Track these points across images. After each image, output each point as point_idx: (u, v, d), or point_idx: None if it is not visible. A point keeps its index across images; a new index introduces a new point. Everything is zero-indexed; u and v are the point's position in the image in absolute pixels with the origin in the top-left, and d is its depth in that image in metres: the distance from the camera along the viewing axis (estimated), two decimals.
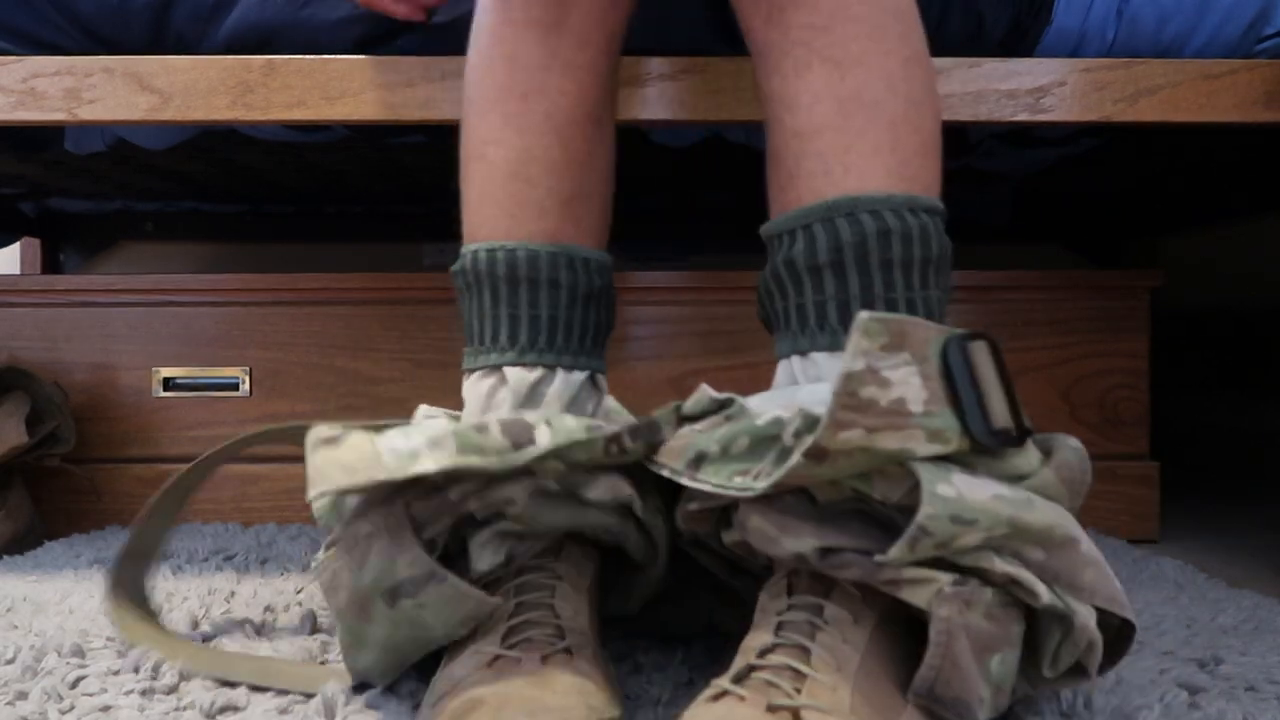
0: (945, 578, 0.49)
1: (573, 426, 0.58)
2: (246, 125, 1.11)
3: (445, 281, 1.21)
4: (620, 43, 0.71)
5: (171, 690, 0.63)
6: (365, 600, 0.57)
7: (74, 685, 0.63)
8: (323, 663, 0.68)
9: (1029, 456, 0.53)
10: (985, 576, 0.50)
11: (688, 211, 1.77)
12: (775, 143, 0.63)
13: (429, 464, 0.56)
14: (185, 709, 0.60)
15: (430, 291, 1.21)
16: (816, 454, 0.48)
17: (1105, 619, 0.54)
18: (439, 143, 1.25)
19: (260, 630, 0.77)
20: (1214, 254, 1.66)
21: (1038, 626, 0.52)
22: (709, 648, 0.69)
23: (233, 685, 0.63)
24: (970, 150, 1.33)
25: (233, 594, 0.86)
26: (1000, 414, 0.50)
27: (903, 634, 0.53)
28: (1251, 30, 0.93)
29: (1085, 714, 0.58)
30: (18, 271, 1.83)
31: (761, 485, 0.51)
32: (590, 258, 0.68)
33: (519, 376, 0.65)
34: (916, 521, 0.47)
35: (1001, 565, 0.49)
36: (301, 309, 1.24)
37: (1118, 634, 0.55)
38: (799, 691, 0.47)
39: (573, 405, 0.66)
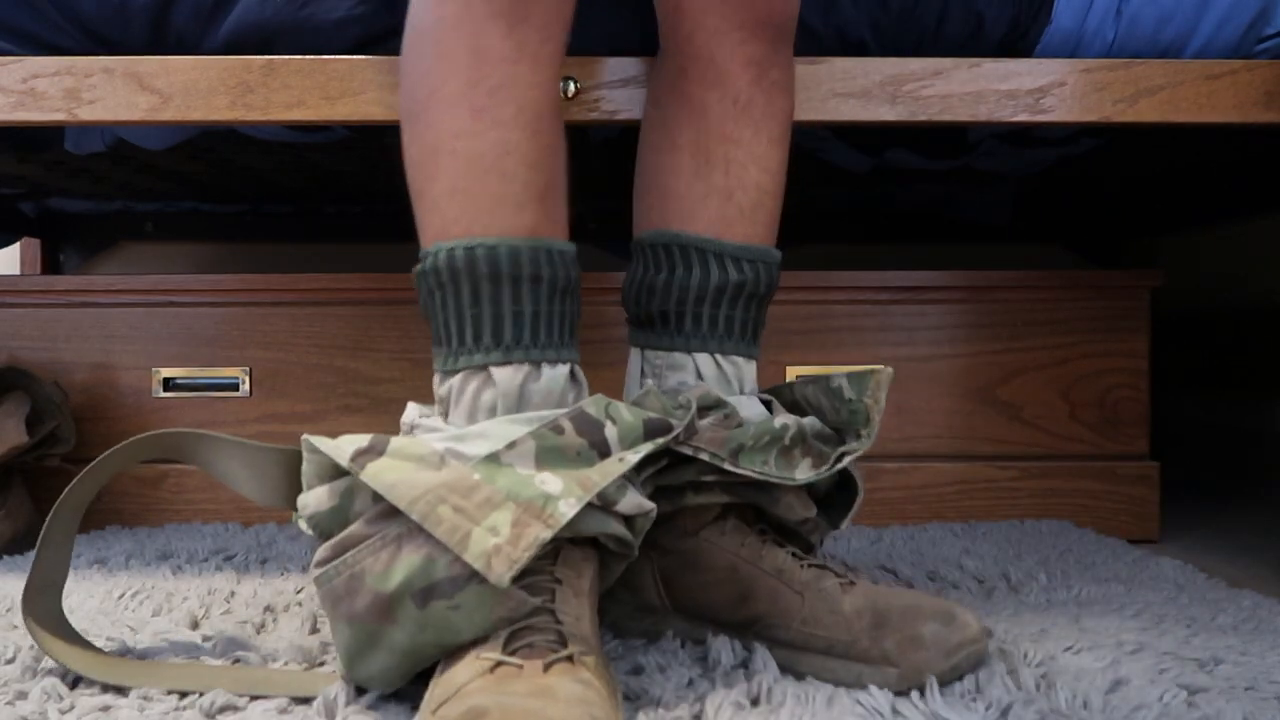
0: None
1: (631, 421, 0.63)
2: (246, 125, 1.11)
3: None
4: (569, 36, 0.71)
5: (171, 690, 0.63)
6: (391, 602, 0.57)
7: (74, 685, 0.64)
8: (321, 663, 0.68)
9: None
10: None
11: None
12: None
13: (568, 508, 0.58)
14: (185, 709, 0.60)
15: None
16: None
17: None
18: None
19: (260, 630, 0.77)
20: (1214, 254, 1.66)
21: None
22: (708, 648, 0.69)
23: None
24: (970, 150, 1.33)
25: (233, 594, 0.86)
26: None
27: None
28: (1251, 30, 0.93)
29: (1085, 714, 0.58)
30: (18, 271, 1.83)
31: (802, 478, 0.69)
32: (564, 250, 0.68)
33: (506, 376, 0.65)
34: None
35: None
36: (301, 309, 1.24)
37: None
38: None
39: (560, 400, 0.67)
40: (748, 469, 0.68)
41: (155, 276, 1.23)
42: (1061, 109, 0.92)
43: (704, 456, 0.67)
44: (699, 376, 0.75)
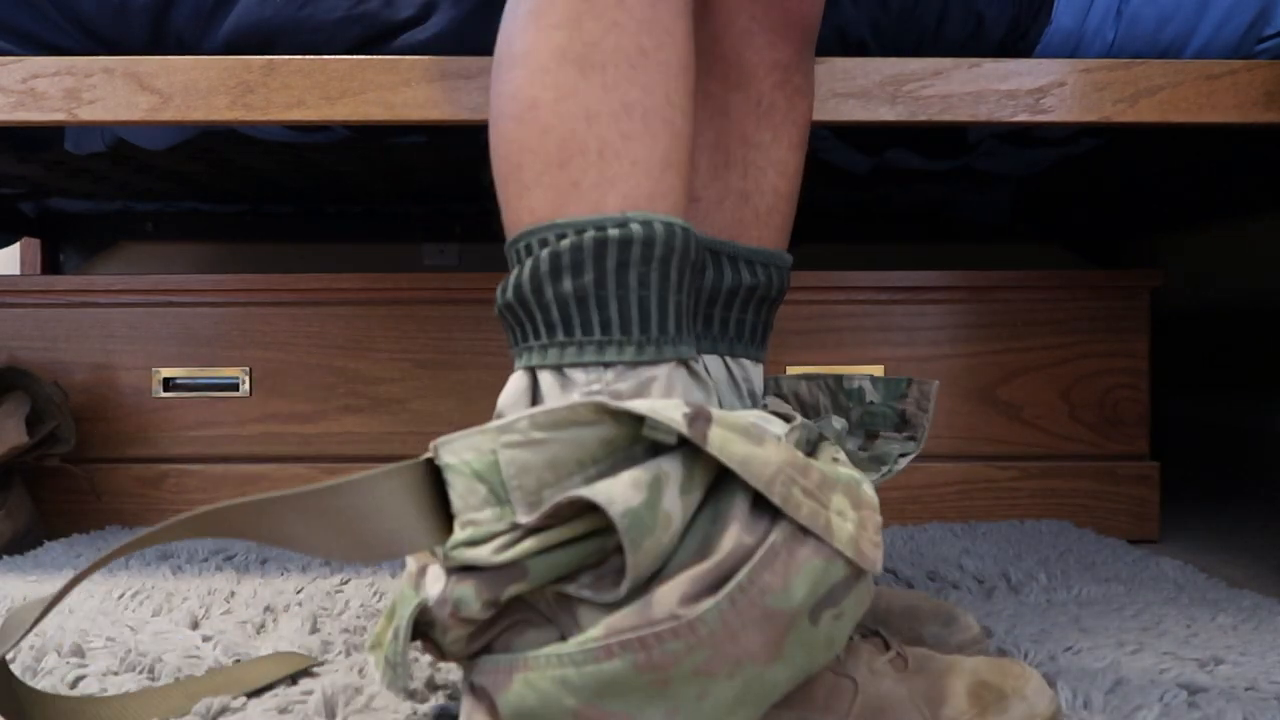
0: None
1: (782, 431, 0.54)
2: (246, 125, 1.11)
3: (445, 281, 1.21)
4: None
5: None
6: (786, 628, 0.45)
7: (74, 685, 0.63)
8: (322, 663, 0.68)
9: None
10: None
11: None
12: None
13: (870, 490, 0.50)
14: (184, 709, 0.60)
15: (430, 291, 1.21)
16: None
17: None
18: (439, 142, 1.25)
19: (260, 630, 0.77)
20: (1214, 254, 1.66)
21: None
22: None
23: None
24: (970, 150, 1.33)
25: (233, 594, 0.86)
26: None
27: None
28: (1251, 30, 0.93)
29: (1085, 714, 0.58)
30: (18, 271, 1.83)
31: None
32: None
33: (710, 369, 0.65)
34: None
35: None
36: (301, 309, 1.24)
37: None
38: None
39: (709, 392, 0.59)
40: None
41: (155, 276, 1.23)
42: (1061, 109, 0.92)
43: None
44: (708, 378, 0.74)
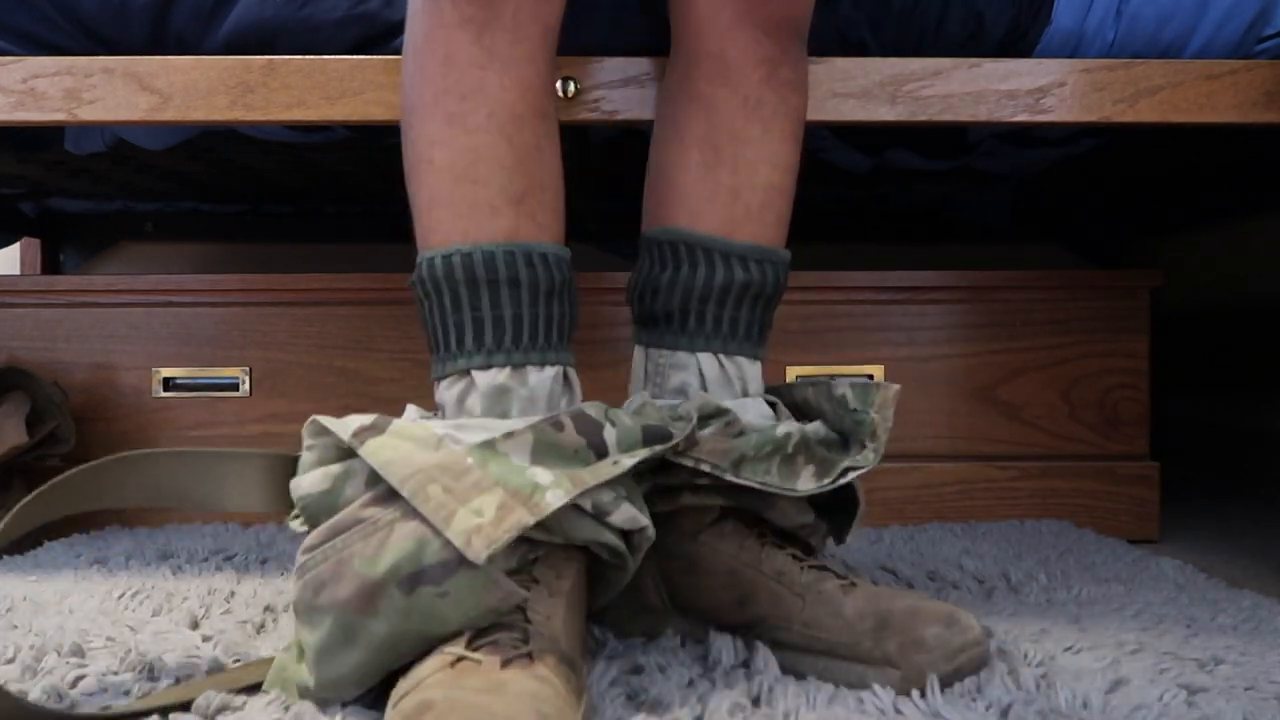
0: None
1: (630, 426, 0.63)
2: (246, 125, 1.11)
3: None
4: (556, 36, 0.71)
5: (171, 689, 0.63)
6: (375, 589, 0.55)
7: (74, 685, 0.63)
8: None
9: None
10: None
11: None
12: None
13: (554, 499, 0.57)
14: (184, 709, 0.60)
15: None
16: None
17: None
18: None
19: (260, 630, 0.77)
20: (1214, 254, 1.66)
21: None
22: (709, 648, 0.69)
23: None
24: (970, 150, 1.33)
25: (233, 594, 0.86)
26: None
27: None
28: (1251, 30, 0.93)
29: (1085, 714, 0.58)
30: (18, 271, 1.83)
31: (804, 489, 0.68)
32: (547, 253, 0.68)
33: (488, 379, 0.66)
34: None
35: None
36: (301, 309, 1.24)
37: None
38: None
39: (548, 403, 0.67)
40: (749, 480, 0.67)
41: (155, 276, 1.23)
42: (1061, 109, 0.92)
43: (705, 468, 0.67)
44: (701, 376, 0.75)
